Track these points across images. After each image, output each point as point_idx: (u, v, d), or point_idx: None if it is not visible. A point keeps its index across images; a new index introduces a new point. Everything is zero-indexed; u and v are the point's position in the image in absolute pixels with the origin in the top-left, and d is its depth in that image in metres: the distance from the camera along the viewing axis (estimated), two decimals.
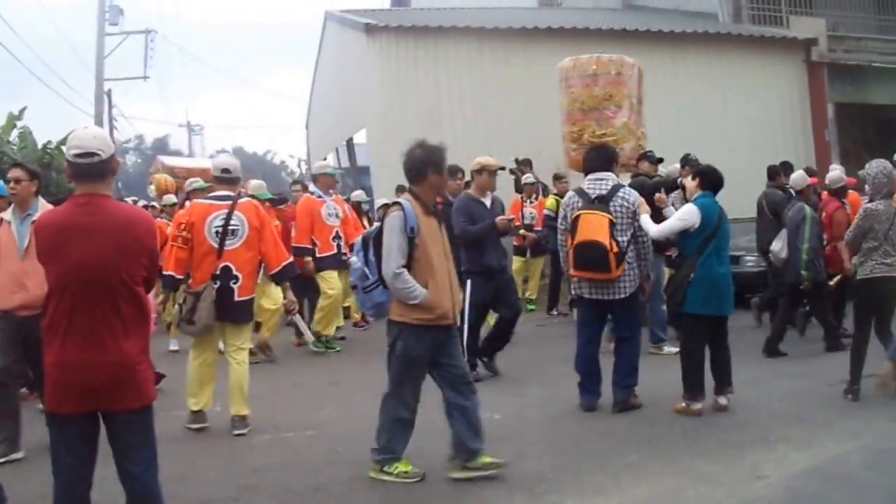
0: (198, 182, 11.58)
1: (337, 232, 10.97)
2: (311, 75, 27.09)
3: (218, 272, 7.11)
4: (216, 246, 7.14)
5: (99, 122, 26.68)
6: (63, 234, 3.97)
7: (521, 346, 9.45)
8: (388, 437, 5.78)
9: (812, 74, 20.05)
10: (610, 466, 5.89)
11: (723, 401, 7.36)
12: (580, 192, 7.57)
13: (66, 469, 4.00)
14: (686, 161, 10.82)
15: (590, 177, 7.64)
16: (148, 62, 33.19)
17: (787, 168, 12.00)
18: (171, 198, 13.73)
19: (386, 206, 6.99)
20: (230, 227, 7.15)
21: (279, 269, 7.52)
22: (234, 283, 7.14)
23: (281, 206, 12.37)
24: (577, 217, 7.39)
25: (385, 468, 5.77)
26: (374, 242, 5.74)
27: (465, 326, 8.32)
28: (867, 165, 7.82)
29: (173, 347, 11.11)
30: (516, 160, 14.49)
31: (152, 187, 15.60)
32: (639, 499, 5.37)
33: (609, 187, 7.50)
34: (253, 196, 9.69)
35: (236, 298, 7.16)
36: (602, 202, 7.42)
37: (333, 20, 22.15)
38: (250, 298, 7.33)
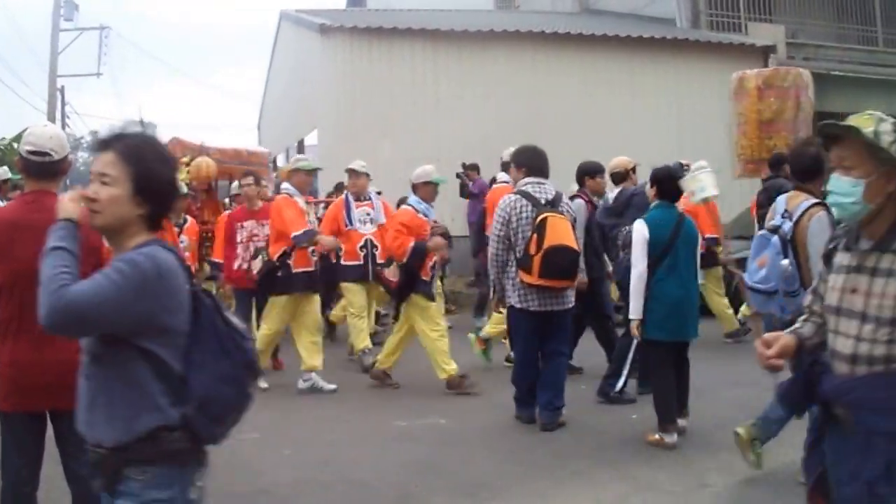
0: (305, 161, 9.06)
1: None
2: (265, 75, 26.93)
3: None
4: None
5: (51, 119, 26.37)
6: (11, 232, 3.99)
7: (469, 351, 9.37)
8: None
9: None
10: (556, 474, 5.86)
11: (682, 423, 6.77)
12: (526, 196, 6.94)
13: (13, 469, 4.03)
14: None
15: (530, 180, 7.08)
16: (102, 59, 33.08)
17: None
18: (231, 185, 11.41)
19: None
20: None
21: None
22: None
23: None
24: (544, 220, 6.73)
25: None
26: (791, 244, 5.23)
27: None
28: None
29: None
30: (464, 165, 14.45)
31: (185, 176, 11.19)
32: None
33: (553, 193, 7.04)
34: (428, 182, 8.57)
35: None
36: (553, 206, 6.94)
37: (288, 20, 22.02)
38: None
